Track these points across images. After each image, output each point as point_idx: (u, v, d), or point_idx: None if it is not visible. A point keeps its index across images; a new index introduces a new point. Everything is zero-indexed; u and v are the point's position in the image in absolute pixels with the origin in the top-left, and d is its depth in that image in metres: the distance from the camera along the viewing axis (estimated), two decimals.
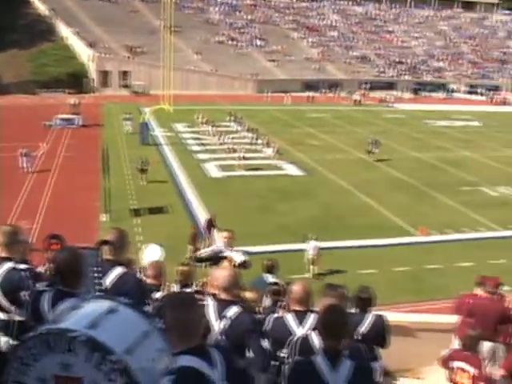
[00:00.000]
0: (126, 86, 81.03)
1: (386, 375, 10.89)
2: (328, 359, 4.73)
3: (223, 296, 6.22)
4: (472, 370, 8.40)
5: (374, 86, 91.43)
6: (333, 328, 4.79)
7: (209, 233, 25.18)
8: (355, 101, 78.30)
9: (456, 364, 8.60)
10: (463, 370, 8.49)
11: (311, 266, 24.03)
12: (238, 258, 11.47)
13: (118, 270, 6.25)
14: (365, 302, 7.82)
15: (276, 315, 6.95)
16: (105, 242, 6.08)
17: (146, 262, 10.76)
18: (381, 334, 7.80)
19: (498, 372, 8.17)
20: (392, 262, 25.16)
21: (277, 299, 8.52)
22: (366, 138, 44.40)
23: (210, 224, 25.51)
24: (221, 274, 6.33)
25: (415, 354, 11.79)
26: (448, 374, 8.83)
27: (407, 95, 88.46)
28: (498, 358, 9.90)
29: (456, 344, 10.43)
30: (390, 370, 11.26)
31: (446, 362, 8.87)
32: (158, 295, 7.44)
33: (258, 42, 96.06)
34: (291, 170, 40.53)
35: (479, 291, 10.50)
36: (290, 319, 6.57)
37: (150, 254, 11.36)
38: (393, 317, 12.60)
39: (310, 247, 24.12)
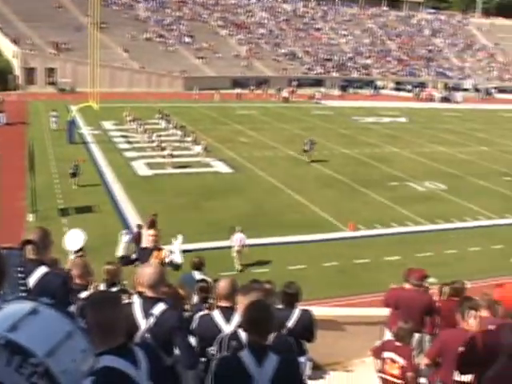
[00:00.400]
0: (52, 84, 79.46)
1: (316, 369, 10.96)
2: (253, 354, 4.72)
3: (149, 293, 6.16)
4: (401, 361, 8.57)
5: (303, 82, 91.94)
6: (257, 323, 4.79)
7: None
8: (284, 98, 78.63)
9: (387, 354, 8.77)
10: (393, 361, 8.67)
11: (237, 260, 24.25)
12: (178, 259, 11.39)
13: (42, 270, 6.14)
14: (291, 297, 7.86)
15: (202, 312, 6.93)
16: (28, 242, 5.93)
17: (69, 250, 10.58)
18: (308, 328, 7.86)
19: (423, 361, 8.33)
20: (322, 258, 25.36)
21: (204, 296, 8.50)
22: (303, 139, 44.26)
23: (152, 223, 25.21)
24: (146, 272, 6.27)
25: (344, 348, 11.91)
26: (379, 364, 8.98)
27: (335, 92, 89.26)
28: (425, 347, 10.07)
29: (388, 336, 10.57)
30: (319, 364, 11.33)
31: (377, 353, 9.06)
32: (83, 295, 7.32)
33: (186, 39, 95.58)
34: (220, 167, 40.46)
35: (406, 284, 10.65)
36: (217, 316, 6.55)
37: (72, 239, 11.19)
38: (322, 311, 12.71)
39: (236, 239, 24.28)
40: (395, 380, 8.68)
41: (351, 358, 12.10)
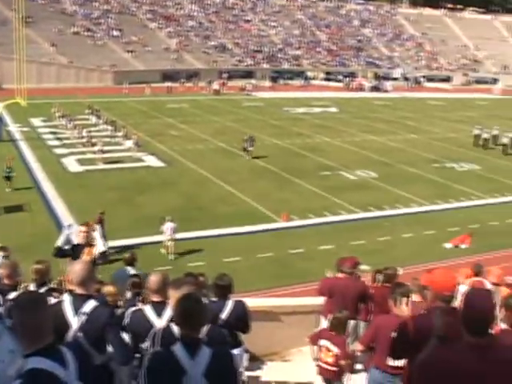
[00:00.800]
0: None
1: (253, 360, 10.97)
2: (186, 348, 4.67)
3: (79, 291, 6.06)
4: (335, 350, 8.77)
5: (233, 75, 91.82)
6: (189, 317, 4.73)
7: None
8: (214, 90, 78.41)
9: (322, 342, 8.98)
10: (328, 349, 8.87)
11: (169, 249, 24.40)
12: (101, 247, 11.29)
13: None
14: (224, 289, 7.83)
15: (134, 308, 6.84)
16: None
17: None
18: (242, 319, 7.84)
19: (357, 348, 8.44)
20: (256, 249, 25.41)
21: (137, 291, 8.42)
22: (242, 136, 43.81)
23: (100, 221, 24.81)
24: (75, 269, 6.15)
25: (281, 338, 11.94)
26: (316, 351, 9.17)
27: (266, 83, 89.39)
28: (360, 334, 10.17)
29: (324, 324, 10.65)
30: (257, 355, 11.34)
31: (314, 340, 9.25)
32: (12, 295, 7.16)
33: (115, 33, 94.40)
34: (152, 161, 40.12)
35: (339, 272, 10.72)
36: (149, 311, 6.49)
37: None
38: (258, 302, 12.72)
39: (167, 228, 24.36)
40: (330, 367, 8.83)
41: (288, 347, 12.14)
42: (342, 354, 8.74)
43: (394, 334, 6.09)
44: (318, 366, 9.10)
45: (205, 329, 5.10)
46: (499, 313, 5.65)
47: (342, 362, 8.74)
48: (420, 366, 4.79)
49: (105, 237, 24.16)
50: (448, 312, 5.49)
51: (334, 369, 8.88)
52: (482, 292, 4.97)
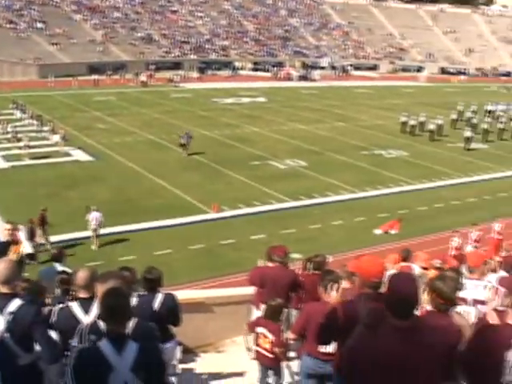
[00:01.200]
0: None
1: (187, 352, 10.94)
2: (112, 344, 4.61)
3: (4, 290, 5.92)
4: (271, 337, 8.84)
5: (161, 66, 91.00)
6: (113, 311, 4.67)
7: (43, 227, 24.13)
8: (142, 82, 77.67)
9: (260, 329, 9.05)
10: (265, 336, 8.95)
11: (93, 239, 24.38)
12: (28, 248, 11.10)
13: None
14: (152, 283, 7.78)
15: (61, 305, 6.72)
16: None
17: None
18: (172, 312, 7.82)
19: (289, 336, 8.52)
20: (188, 241, 25.36)
21: (65, 288, 8.26)
22: (178, 132, 42.74)
23: (42, 218, 24.33)
24: None
25: (214, 329, 11.95)
26: (253, 339, 9.29)
27: (194, 74, 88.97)
28: (292, 322, 10.22)
29: (256, 314, 10.69)
30: (190, 347, 11.33)
31: (252, 327, 9.33)
32: None
33: (39, 25, 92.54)
34: (79, 155, 39.49)
35: (269, 261, 10.74)
36: (76, 308, 6.39)
37: None
38: (190, 294, 12.70)
39: (92, 217, 24.38)
40: (267, 354, 8.94)
41: (222, 338, 12.17)
42: (276, 342, 8.84)
43: (323, 321, 6.15)
44: (256, 351, 9.19)
45: (131, 323, 5.05)
46: (424, 295, 5.74)
47: (276, 350, 8.83)
48: (348, 352, 4.86)
49: (46, 233, 24.05)
50: (374, 298, 5.56)
51: (271, 356, 8.98)
52: (406, 275, 5.07)
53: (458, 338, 4.93)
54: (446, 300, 5.57)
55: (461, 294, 7.16)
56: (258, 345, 9.13)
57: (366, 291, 5.81)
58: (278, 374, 9.14)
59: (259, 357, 9.15)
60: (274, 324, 8.99)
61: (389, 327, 4.57)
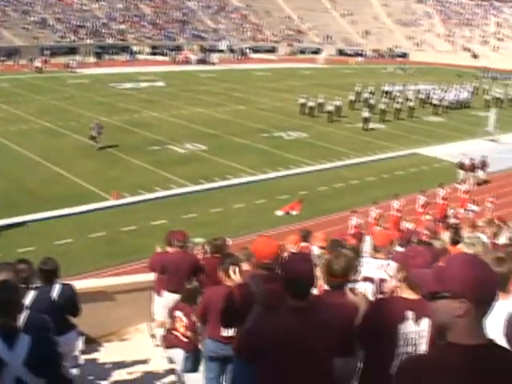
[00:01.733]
0: None
1: (90, 342, 10.82)
2: (3, 338, 4.49)
3: None
4: (185, 320, 9.16)
5: (56, 51, 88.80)
6: (4, 305, 4.55)
7: None
8: (36, 68, 75.73)
9: (177, 313, 9.33)
10: (181, 319, 9.24)
11: None
12: None
13: None
14: (49, 274, 7.65)
15: None
16: None
17: None
18: (71, 302, 7.74)
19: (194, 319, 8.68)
20: (88, 229, 24.96)
21: None
22: (89, 123, 40.77)
23: None
24: None
25: (117, 317, 11.86)
26: (171, 322, 9.55)
27: (91, 59, 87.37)
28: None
29: (157, 301, 10.70)
30: (93, 337, 11.20)
31: (171, 312, 9.58)
32: None
33: None
34: None
35: (169, 246, 10.71)
36: None
37: None
38: (90, 283, 12.54)
39: None
40: (182, 337, 9.20)
41: (125, 326, 12.07)
42: (189, 325, 9.05)
43: (222, 304, 6.18)
44: (174, 335, 9.38)
45: (23, 316, 4.94)
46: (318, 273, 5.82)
47: (188, 333, 9.07)
48: (247, 334, 4.89)
49: None
50: (269, 279, 5.61)
51: (186, 339, 9.17)
52: (299, 256, 5.15)
53: (353, 314, 5.02)
54: (336, 277, 5.64)
55: (367, 274, 7.36)
56: (175, 328, 9.30)
57: (259, 272, 5.87)
58: (192, 359, 9.25)
59: (176, 341, 9.30)
60: (187, 307, 9.19)
61: (286, 307, 4.62)
